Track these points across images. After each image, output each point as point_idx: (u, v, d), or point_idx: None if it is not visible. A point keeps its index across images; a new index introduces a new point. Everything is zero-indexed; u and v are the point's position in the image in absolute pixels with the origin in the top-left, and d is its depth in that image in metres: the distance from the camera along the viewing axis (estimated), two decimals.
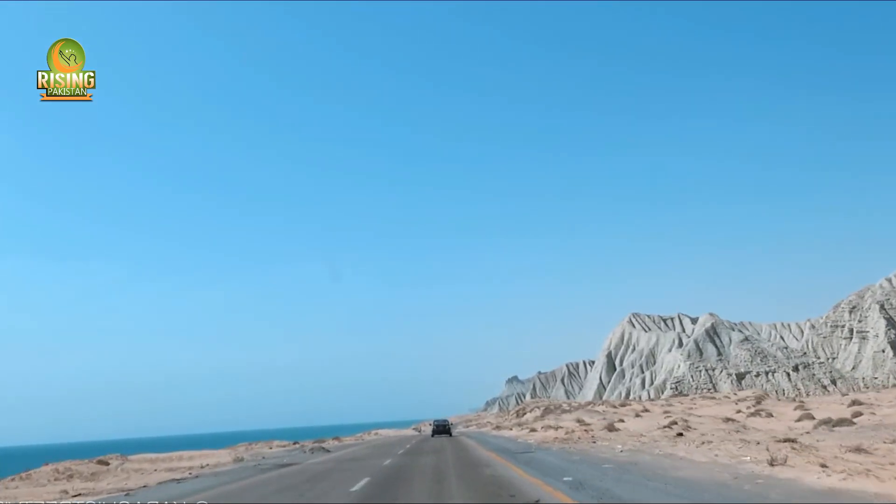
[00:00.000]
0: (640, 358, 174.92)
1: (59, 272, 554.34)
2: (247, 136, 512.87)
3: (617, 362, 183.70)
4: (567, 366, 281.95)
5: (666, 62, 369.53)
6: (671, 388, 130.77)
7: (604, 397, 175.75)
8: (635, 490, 12.81)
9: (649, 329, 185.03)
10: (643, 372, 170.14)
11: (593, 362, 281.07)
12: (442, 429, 63.89)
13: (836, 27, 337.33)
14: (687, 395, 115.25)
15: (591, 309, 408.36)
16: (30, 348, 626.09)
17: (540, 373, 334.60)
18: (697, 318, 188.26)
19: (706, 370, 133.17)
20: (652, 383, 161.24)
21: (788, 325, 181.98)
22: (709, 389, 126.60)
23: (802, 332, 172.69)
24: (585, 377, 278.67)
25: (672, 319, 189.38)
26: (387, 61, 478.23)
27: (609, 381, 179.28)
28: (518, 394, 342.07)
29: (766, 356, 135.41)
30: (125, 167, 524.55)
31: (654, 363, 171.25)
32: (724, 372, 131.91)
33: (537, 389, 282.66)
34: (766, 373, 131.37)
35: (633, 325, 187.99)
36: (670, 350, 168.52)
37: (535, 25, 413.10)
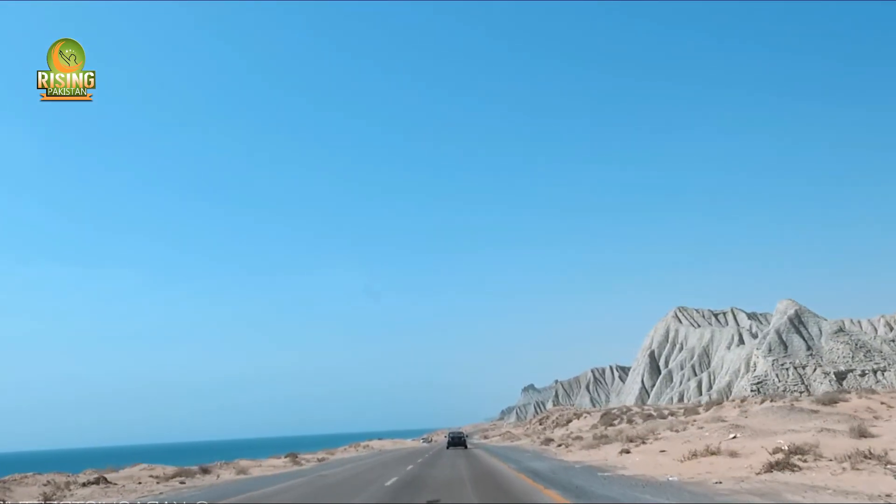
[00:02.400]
0: (691, 357, 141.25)
1: (56, 276, 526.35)
2: (252, 141, 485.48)
3: (661, 363, 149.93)
4: (592, 371, 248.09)
5: (695, 74, 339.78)
6: (752, 391, 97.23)
7: (648, 403, 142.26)
8: None
9: (699, 325, 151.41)
10: (696, 373, 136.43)
11: (622, 367, 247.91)
12: (457, 441, 59.47)
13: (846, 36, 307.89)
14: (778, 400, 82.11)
15: (611, 314, 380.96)
16: (30, 354, 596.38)
17: (558, 381, 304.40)
18: (754, 313, 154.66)
19: (794, 368, 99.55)
20: (711, 386, 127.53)
21: (858, 322, 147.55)
22: (801, 392, 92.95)
23: (876, 329, 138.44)
24: (612, 383, 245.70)
25: (724, 314, 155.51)
26: (407, 73, 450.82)
27: (653, 386, 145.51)
28: (537, 402, 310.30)
29: (870, 351, 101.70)
30: (124, 170, 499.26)
31: (710, 363, 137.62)
32: (820, 370, 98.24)
33: (559, 397, 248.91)
34: (875, 371, 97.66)
35: (680, 321, 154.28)
36: (729, 347, 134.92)
37: (550, 38, 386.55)
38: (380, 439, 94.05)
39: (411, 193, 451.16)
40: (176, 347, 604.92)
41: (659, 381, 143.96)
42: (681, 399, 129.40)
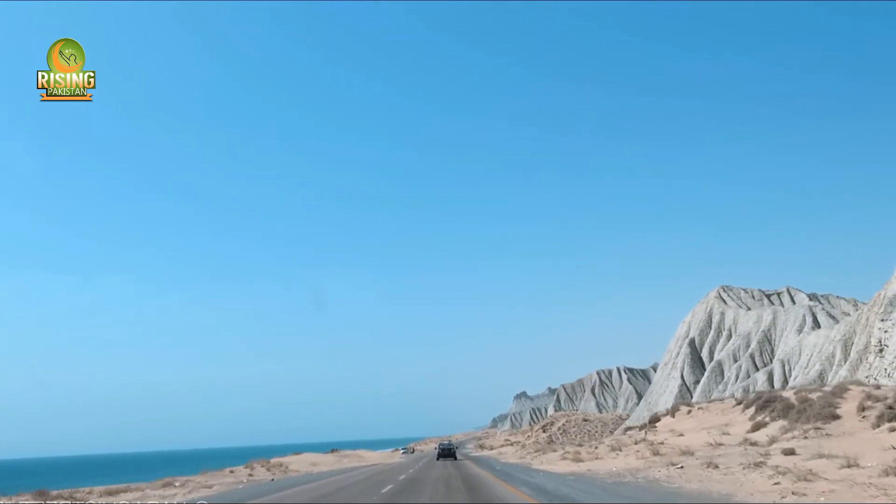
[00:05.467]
0: (747, 346, 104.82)
1: (39, 283, 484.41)
2: (239, 148, 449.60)
3: (704, 355, 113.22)
4: (598, 373, 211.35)
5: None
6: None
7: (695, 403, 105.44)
8: None
9: (749, 308, 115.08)
10: (757, 365, 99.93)
11: (631, 369, 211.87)
12: (447, 452, 53.28)
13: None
14: None
15: (603, 318, 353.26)
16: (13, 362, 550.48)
17: (550, 386, 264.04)
18: (815, 294, 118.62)
19: None
20: (786, 379, 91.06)
21: None
22: None
23: None
24: (620, 386, 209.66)
25: (779, 294, 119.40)
26: (392, 86, 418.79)
27: (697, 382, 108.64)
28: (533, 409, 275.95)
29: None
30: (112, 175, 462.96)
31: (774, 352, 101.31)
32: None
33: (562, 401, 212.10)
34: None
35: (725, 303, 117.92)
36: (801, 331, 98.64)
37: (549, 57, 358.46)
38: (331, 451, 56.43)
39: (397, 204, 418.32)
40: (161, 356, 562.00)
41: (706, 375, 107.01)
42: (745, 395, 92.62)
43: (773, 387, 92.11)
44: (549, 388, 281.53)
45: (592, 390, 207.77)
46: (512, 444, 79.21)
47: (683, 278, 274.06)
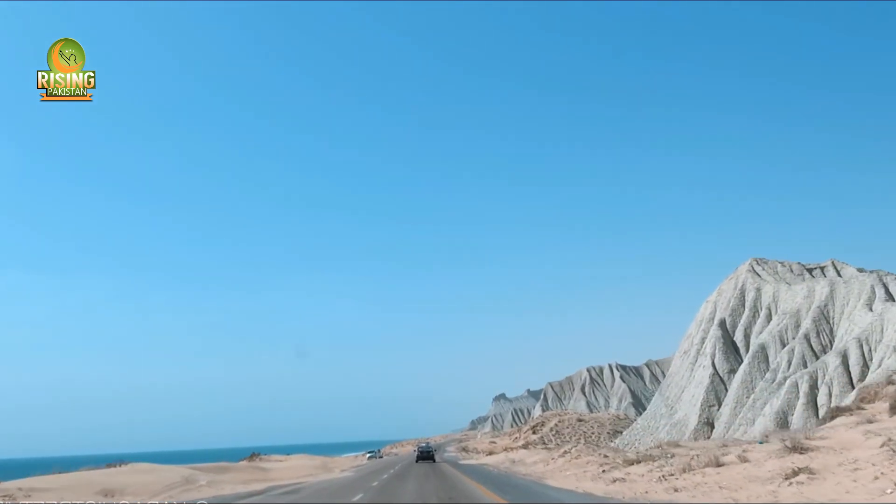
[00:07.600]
0: (796, 325, 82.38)
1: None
2: (211, 155, 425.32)
3: (738, 338, 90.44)
4: (588, 371, 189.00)
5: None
6: None
7: (727, 400, 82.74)
8: None
9: (789, 283, 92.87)
10: (817, 347, 77.52)
11: (623, 366, 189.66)
12: (426, 455, 50.35)
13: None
14: None
15: (578, 319, 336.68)
16: None
17: (530, 390, 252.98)
18: (862, 269, 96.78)
19: None
20: (865, 362, 68.85)
21: None
22: None
23: None
24: (612, 384, 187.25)
25: (823, 268, 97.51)
26: (379, 103, 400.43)
27: (734, 371, 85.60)
28: (515, 410, 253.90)
29: None
30: (87, 178, 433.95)
31: (833, 332, 79.11)
32: None
33: (549, 401, 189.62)
34: None
35: (761, 277, 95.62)
36: (870, 306, 76.72)
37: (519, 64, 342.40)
38: (250, 457, 32.53)
39: (375, 211, 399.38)
40: (133, 358, 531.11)
41: (746, 362, 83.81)
42: (813, 389, 69.94)
43: (849, 372, 69.75)
44: (529, 390, 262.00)
45: (582, 389, 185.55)
46: (527, 448, 56.53)
47: (676, 272, 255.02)
